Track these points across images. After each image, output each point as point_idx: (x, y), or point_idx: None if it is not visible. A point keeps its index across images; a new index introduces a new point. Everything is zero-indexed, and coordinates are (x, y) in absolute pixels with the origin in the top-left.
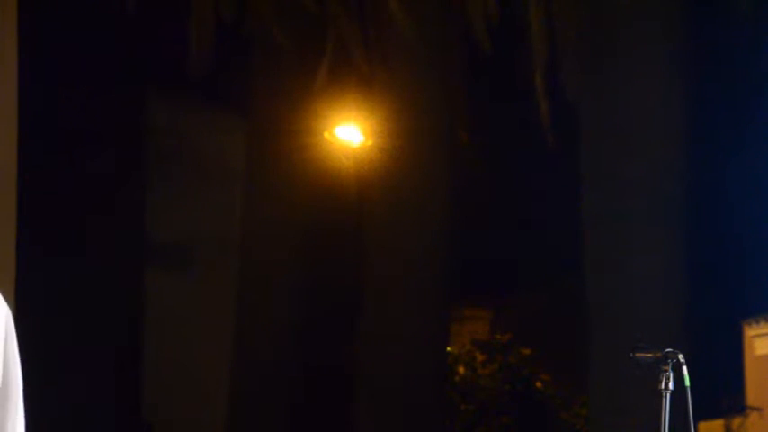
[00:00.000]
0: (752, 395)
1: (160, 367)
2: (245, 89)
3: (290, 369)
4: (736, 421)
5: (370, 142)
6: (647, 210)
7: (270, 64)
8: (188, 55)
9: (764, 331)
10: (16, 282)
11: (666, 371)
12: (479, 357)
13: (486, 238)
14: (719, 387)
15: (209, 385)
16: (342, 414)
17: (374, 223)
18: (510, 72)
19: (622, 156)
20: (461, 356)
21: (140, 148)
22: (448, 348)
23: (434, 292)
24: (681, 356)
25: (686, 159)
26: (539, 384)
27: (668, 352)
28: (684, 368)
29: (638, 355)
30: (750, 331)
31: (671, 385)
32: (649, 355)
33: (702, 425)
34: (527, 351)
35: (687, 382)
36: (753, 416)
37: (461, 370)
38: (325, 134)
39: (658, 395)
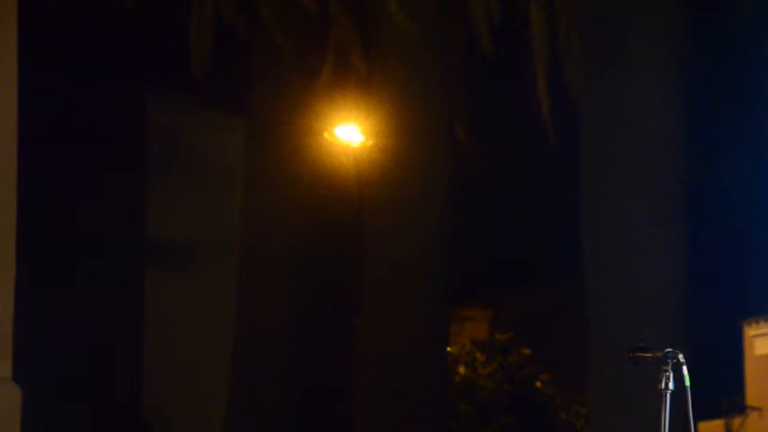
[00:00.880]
0: (752, 395)
1: (160, 367)
2: (245, 89)
3: (289, 368)
4: (736, 421)
5: (370, 142)
6: (646, 210)
7: (270, 64)
8: (188, 55)
9: (764, 331)
10: (16, 282)
11: (666, 371)
12: (479, 357)
13: (486, 238)
14: (719, 387)
15: (209, 385)
16: (342, 414)
17: (374, 223)
18: (511, 72)
19: (622, 156)
20: (461, 356)
21: (140, 148)
22: (448, 348)
23: (434, 292)
24: (681, 356)
25: (686, 159)
26: (539, 384)
27: (668, 352)
28: (684, 368)
29: (638, 355)
30: (750, 331)
31: (671, 385)
32: (649, 355)
33: (702, 425)
34: (527, 351)
35: (687, 382)
36: (753, 416)
37: (461, 370)
38: (325, 134)
39: (658, 395)
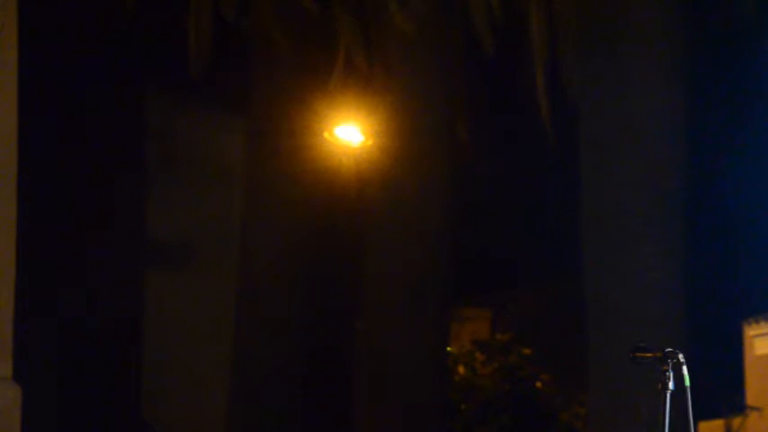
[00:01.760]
0: (752, 395)
1: (160, 367)
2: (245, 89)
3: (289, 369)
4: (736, 421)
5: (370, 142)
6: (646, 210)
7: (270, 64)
8: (188, 55)
9: (764, 331)
10: (16, 281)
11: (666, 371)
12: (479, 357)
13: (487, 237)
14: (719, 387)
15: (209, 385)
16: (342, 414)
17: (374, 223)
18: (510, 72)
19: (622, 156)
20: (461, 356)
21: (140, 148)
22: (448, 348)
23: (434, 292)
24: (681, 356)
25: (686, 159)
26: (539, 384)
27: (668, 352)
28: (684, 368)
29: (638, 355)
30: (750, 331)
31: (671, 385)
32: (649, 355)
33: (702, 425)
34: (527, 351)
35: (687, 382)
36: (753, 416)
37: (461, 370)
38: (325, 134)
39: (658, 395)
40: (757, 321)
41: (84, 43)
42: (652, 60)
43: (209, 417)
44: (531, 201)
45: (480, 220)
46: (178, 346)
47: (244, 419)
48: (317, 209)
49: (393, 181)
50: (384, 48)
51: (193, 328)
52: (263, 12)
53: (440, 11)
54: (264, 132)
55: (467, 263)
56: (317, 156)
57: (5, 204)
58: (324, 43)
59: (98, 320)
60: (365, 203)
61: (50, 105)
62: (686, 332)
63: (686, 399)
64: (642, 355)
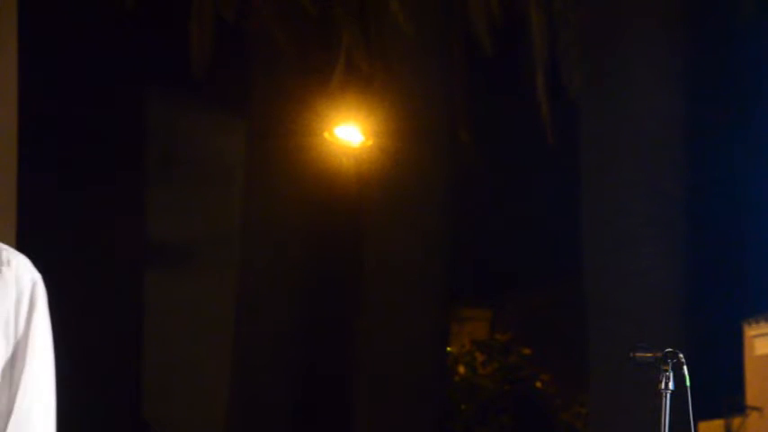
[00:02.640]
0: (752, 395)
1: (160, 367)
2: (245, 89)
3: (289, 369)
4: (736, 421)
5: (370, 142)
6: (647, 210)
7: (270, 64)
8: (188, 55)
9: (764, 331)
10: None
11: (666, 371)
12: (479, 357)
13: (486, 238)
14: (719, 387)
15: (208, 385)
16: (342, 414)
17: (374, 223)
18: (510, 72)
19: (622, 156)
20: (461, 356)
21: (140, 148)
22: (448, 348)
23: (434, 292)
24: (681, 356)
25: (686, 159)
26: (539, 384)
27: (668, 352)
28: (684, 368)
29: (638, 355)
30: (750, 331)
31: (671, 385)
32: (649, 355)
33: (702, 425)
34: (527, 351)
35: (687, 382)
36: (753, 416)
37: (461, 370)
38: (325, 134)
39: (658, 395)
40: (757, 321)
41: (85, 43)
42: (652, 60)
43: (209, 417)
44: (530, 201)
45: (480, 219)
46: (178, 345)
47: (244, 419)
48: (316, 209)
49: (393, 181)
50: (384, 48)
51: (193, 327)
52: (264, 12)
53: (440, 11)
54: (264, 132)
55: (466, 263)
56: (317, 156)
57: (5, 204)
58: (324, 43)
59: (98, 320)
60: (365, 203)
61: (50, 105)
62: (686, 332)
63: (686, 399)
64: (642, 355)
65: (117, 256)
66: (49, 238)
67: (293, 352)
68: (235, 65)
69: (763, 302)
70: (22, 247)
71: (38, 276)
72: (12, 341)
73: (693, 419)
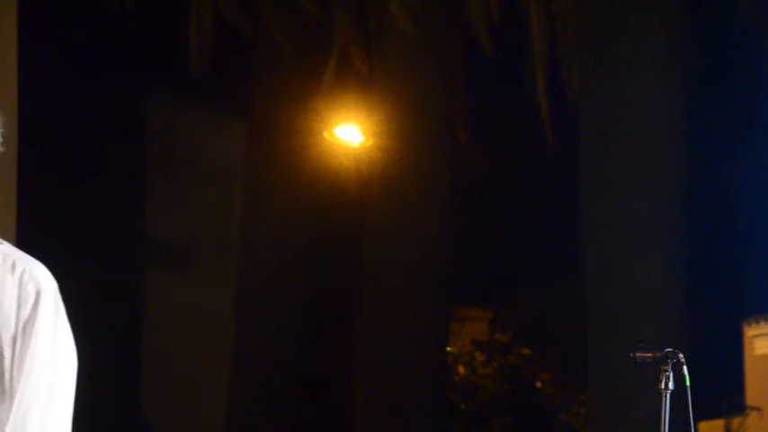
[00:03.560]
0: (752, 395)
1: (160, 367)
2: (245, 89)
3: (289, 368)
4: (736, 421)
5: (370, 142)
6: (647, 210)
7: (270, 64)
8: (188, 55)
9: (764, 331)
10: None
11: (666, 371)
12: (479, 357)
13: (486, 238)
14: (719, 387)
15: (208, 385)
16: (342, 414)
17: (374, 223)
18: (510, 72)
19: (622, 156)
20: (461, 356)
21: (140, 148)
22: (448, 348)
23: (434, 292)
24: (681, 356)
25: (686, 159)
26: (539, 384)
27: (668, 352)
28: (684, 368)
29: (638, 355)
30: (750, 331)
31: (671, 385)
32: (649, 355)
33: (702, 425)
34: (527, 351)
35: (687, 382)
36: (753, 416)
37: (461, 370)
38: (325, 134)
39: (658, 395)
40: (757, 321)
41: (85, 43)
42: (652, 60)
43: (209, 417)
44: (530, 201)
45: (480, 220)
46: (177, 345)
47: (243, 419)
48: (316, 209)
49: (393, 181)
50: (384, 48)
51: (193, 327)
52: (263, 11)
53: (439, 11)
54: (264, 132)
55: (466, 263)
56: (317, 156)
57: (5, 204)
58: (324, 43)
59: (97, 320)
60: (365, 203)
61: (50, 105)
62: (686, 332)
63: (686, 399)
64: (642, 355)
65: (117, 256)
66: (49, 238)
67: (293, 352)
68: (235, 65)
69: (762, 302)
70: (21, 247)
71: (45, 285)
72: (8, 352)
73: (693, 419)
